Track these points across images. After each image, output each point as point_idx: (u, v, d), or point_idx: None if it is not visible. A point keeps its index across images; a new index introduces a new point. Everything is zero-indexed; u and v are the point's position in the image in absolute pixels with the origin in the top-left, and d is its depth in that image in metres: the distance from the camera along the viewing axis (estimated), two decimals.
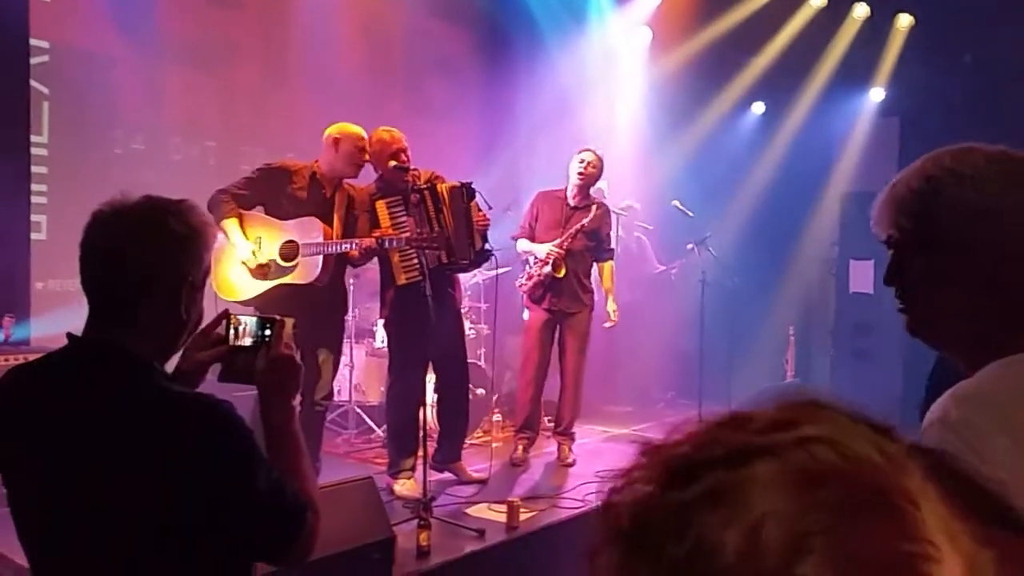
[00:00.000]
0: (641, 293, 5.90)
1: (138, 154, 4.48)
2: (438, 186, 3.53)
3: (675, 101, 6.26)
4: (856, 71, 6.37)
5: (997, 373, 0.88)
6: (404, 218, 3.54)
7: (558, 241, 4.18)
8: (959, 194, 0.89)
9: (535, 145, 6.08)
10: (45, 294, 3.94)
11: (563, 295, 4.23)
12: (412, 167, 3.54)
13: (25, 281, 3.80)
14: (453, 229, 3.46)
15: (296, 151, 3.76)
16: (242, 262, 3.29)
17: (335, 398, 4.04)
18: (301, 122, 4.65)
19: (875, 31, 6.22)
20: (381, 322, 4.31)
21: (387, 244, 3.39)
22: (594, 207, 4.25)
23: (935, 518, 0.33)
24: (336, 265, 3.44)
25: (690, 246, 5.45)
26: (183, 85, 4.67)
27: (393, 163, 3.51)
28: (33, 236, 3.93)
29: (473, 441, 4.45)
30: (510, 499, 3.32)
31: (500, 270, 4.39)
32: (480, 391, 4.56)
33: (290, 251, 3.33)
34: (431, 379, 3.85)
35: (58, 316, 3.27)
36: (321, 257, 3.33)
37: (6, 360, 3.06)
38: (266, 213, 3.41)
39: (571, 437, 4.41)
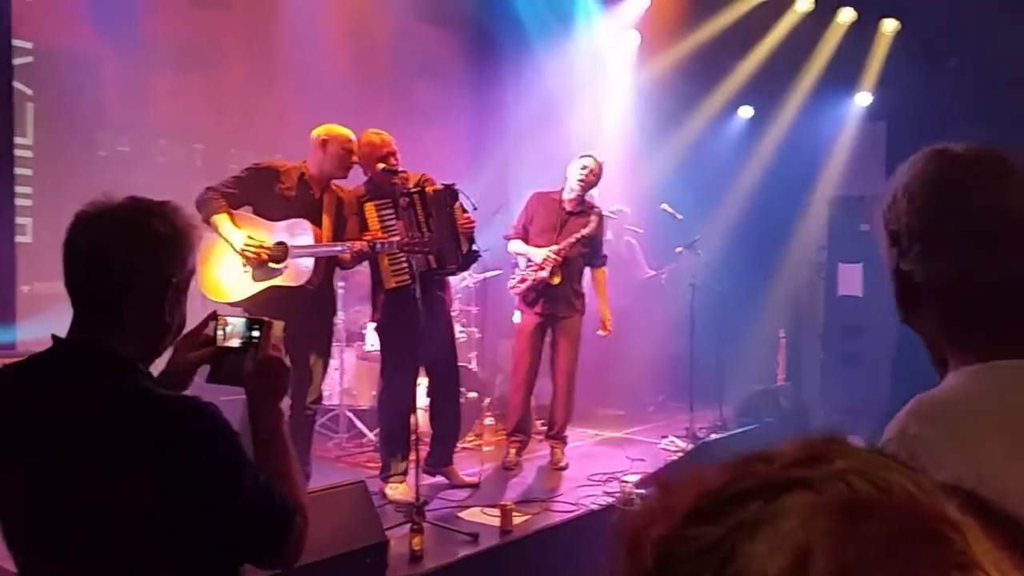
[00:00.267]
0: (631, 298, 5.90)
1: (124, 156, 4.44)
2: (428, 190, 3.52)
3: (663, 105, 6.28)
4: (843, 75, 6.42)
5: (956, 384, 0.87)
6: (393, 221, 3.52)
7: (556, 248, 4.15)
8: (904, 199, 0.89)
9: (523, 148, 6.08)
10: (31, 297, 3.89)
11: (556, 300, 4.23)
12: (401, 169, 3.52)
13: (10, 284, 3.75)
14: (440, 233, 3.44)
15: (284, 154, 3.73)
16: (240, 251, 3.22)
17: (325, 402, 4.01)
18: (288, 125, 4.62)
19: (861, 36, 6.27)
20: (372, 325, 4.29)
21: (378, 248, 3.37)
22: (593, 215, 4.26)
23: (980, 547, 0.33)
24: (326, 268, 3.42)
25: (679, 249, 5.46)
26: (169, 86, 4.64)
27: (382, 166, 3.49)
28: (18, 239, 3.89)
29: (465, 445, 4.43)
30: (503, 503, 3.30)
31: (490, 273, 4.39)
32: (472, 394, 4.54)
33: (280, 253, 3.30)
34: (423, 383, 3.83)
35: (44, 319, 3.22)
36: (312, 259, 3.30)
37: None
38: (255, 213, 3.38)
39: (563, 441, 4.41)
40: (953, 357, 0.89)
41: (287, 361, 1.31)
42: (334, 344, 3.93)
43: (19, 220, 3.92)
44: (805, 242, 6.82)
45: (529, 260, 4.26)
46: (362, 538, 2.61)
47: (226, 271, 3.29)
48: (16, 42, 3.91)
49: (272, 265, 3.29)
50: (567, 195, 4.26)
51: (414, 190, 3.49)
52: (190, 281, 1.24)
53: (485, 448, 4.25)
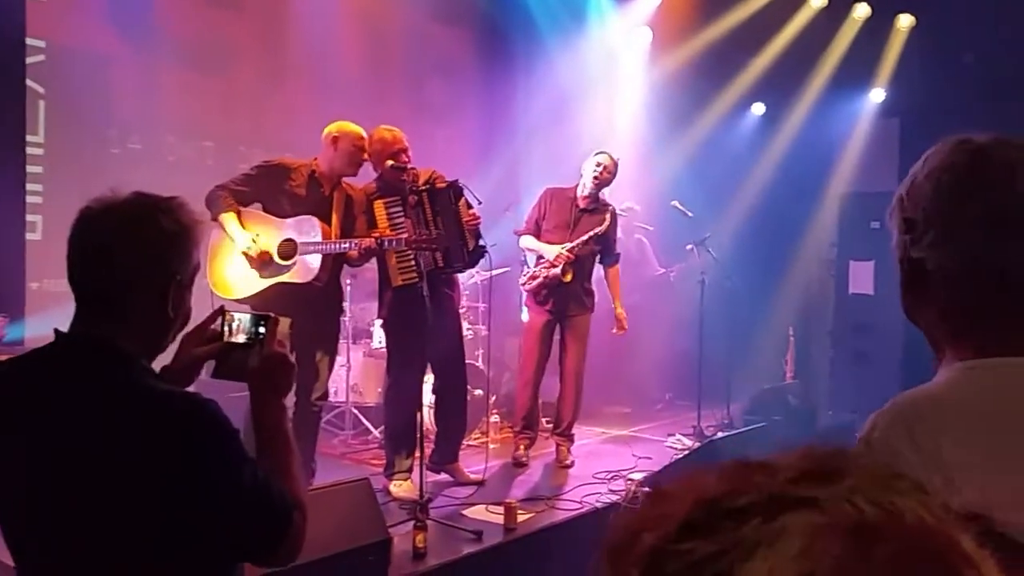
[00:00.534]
0: (641, 295, 5.88)
1: (134, 154, 4.46)
2: (437, 187, 3.51)
3: (675, 101, 6.25)
4: (857, 72, 6.36)
5: (940, 382, 0.86)
6: (401, 219, 3.52)
7: (570, 246, 4.13)
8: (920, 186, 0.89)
9: (535, 146, 6.07)
10: (40, 294, 3.92)
11: (567, 298, 4.21)
12: (411, 166, 3.52)
13: (20, 281, 3.78)
14: (447, 231, 3.43)
15: (294, 152, 3.74)
16: (243, 252, 3.26)
17: (331, 399, 4.02)
18: (299, 123, 4.63)
19: (876, 31, 6.21)
20: (379, 322, 4.29)
21: (386, 245, 3.37)
22: (608, 213, 4.23)
23: None
24: (334, 265, 3.43)
25: (689, 247, 5.43)
26: (180, 85, 4.66)
27: (391, 162, 3.49)
28: (28, 236, 3.92)
29: (470, 442, 4.43)
30: (507, 500, 3.30)
31: (498, 270, 4.37)
32: (478, 392, 4.54)
33: (288, 249, 3.31)
34: (429, 380, 3.83)
35: (53, 316, 3.22)
36: (319, 256, 3.31)
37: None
38: (264, 210, 3.39)
39: (570, 438, 4.40)
40: (950, 351, 0.88)
41: (292, 358, 1.31)
42: (341, 341, 3.94)
43: (29, 217, 3.95)
44: (816, 239, 6.77)
45: (539, 257, 4.24)
46: (366, 535, 2.61)
47: (234, 267, 3.31)
48: (29, 40, 3.94)
49: (280, 262, 3.31)
50: (581, 192, 4.23)
51: (423, 188, 3.48)
52: (195, 277, 1.24)
53: (491, 446, 4.25)
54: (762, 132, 6.92)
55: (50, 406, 1.11)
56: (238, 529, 1.12)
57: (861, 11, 6.15)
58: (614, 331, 4.41)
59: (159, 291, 1.16)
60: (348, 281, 4.28)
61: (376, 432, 4.53)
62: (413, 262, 3.47)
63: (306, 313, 3.22)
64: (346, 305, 4.11)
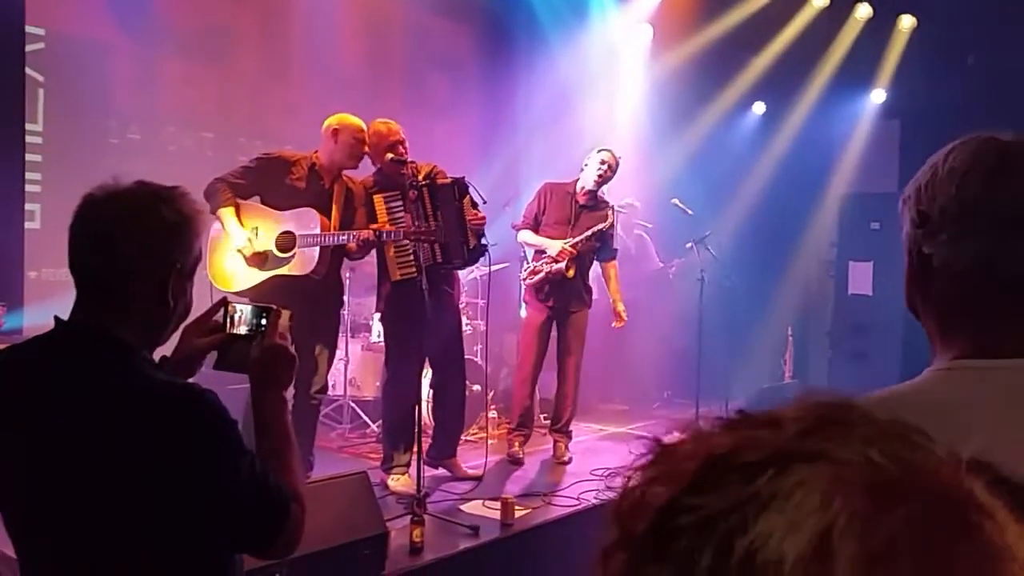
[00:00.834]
0: (640, 292, 5.88)
1: (134, 144, 4.45)
2: (437, 182, 3.50)
3: (676, 99, 6.24)
4: (858, 72, 6.36)
5: (915, 382, 0.85)
6: (401, 214, 3.51)
7: (573, 242, 4.12)
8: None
9: (535, 142, 6.06)
10: (38, 283, 3.91)
11: (568, 294, 4.21)
12: (411, 160, 3.51)
13: (18, 270, 3.77)
14: (446, 227, 3.42)
15: (294, 144, 3.73)
16: (237, 250, 3.26)
17: (330, 392, 4.01)
18: (299, 115, 4.62)
19: (877, 32, 6.21)
20: (377, 316, 4.28)
21: (385, 237, 3.36)
22: (609, 211, 4.23)
23: (1012, 533, 0.31)
24: (333, 258, 3.42)
25: (689, 245, 5.43)
26: (180, 75, 4.64)
27: (390, 156, 3.48)
28: (27, 225, 3.90)
29: (468, 437, 4.43)
30: (505, 496, 3.30)
31: (497, 266, 4.37)
32: (476, 387, 4.54)
33: (286, 242, 3.30)
34: (427, 374, 3.83)
35: (51, 305, 3.22)
36: (318, 249, 3.30)
37: None
38: (263, 203, 3.38)
39: (568, 435, 4.40)
40: (940, 347, 0.87)
41: (292, 350, 1.31)
42: (339, 334, 3.93)
43: (28, 206, 3.93)
44: (816, 239, 6.77)
45: (539, 252, 4.24)
46: (362, 529, 2.61)
47: (233, 260, 3.30)
48: (29, 28, 3.92)
49: (278, 254, 3.30)
50: (581, 188, 4.22)
51: (423, 183, 3.47)
52: (196, 267, 1.23)
53: (489, 441, 4.25)
54: (762, 131, 6.92)
55: (49, 395, 1.11)
56: (236, 520, 1.11)
57: (863, 11, 6.14)
58: (614, 324, 4.41)
59: (159, 280, 1.16)
60: (347, 274, 4.27)
61: (374, 426, 4.53)
62: (412, 256, 3.45)
63: (305, 306, 3.20)
64: (346, 299, 4.10)
